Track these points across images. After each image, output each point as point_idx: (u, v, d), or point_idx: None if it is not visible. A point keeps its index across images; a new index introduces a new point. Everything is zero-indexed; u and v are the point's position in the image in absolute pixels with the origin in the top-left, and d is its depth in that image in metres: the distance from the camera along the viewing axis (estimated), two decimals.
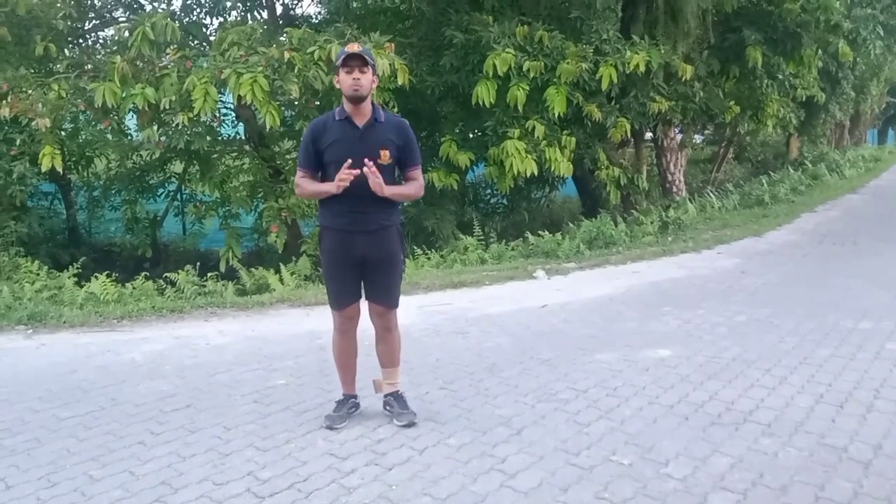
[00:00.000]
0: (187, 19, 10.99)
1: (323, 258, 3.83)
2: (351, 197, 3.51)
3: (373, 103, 3.61)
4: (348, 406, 3.90)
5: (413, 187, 3.73)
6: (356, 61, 3.46)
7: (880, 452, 3.40)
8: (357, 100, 3.52)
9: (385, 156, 3.57)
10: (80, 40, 11.39)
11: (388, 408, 3.90)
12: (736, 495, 3.03)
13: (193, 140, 8.40)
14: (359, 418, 3.90)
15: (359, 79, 3.47)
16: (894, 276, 7.44)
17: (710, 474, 3.21)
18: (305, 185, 3.71)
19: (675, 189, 13.51)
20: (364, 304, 3.82)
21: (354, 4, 11.88)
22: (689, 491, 3.07)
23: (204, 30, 11.21)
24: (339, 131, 3.58)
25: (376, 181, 3.44)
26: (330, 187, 3.50)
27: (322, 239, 3.76)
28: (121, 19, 11.10)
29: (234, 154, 10.33)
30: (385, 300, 3.75)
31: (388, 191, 3.53)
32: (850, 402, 4.03)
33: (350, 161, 3.42)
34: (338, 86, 3.58)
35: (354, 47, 3.56)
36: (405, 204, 7.58)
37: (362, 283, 3.76)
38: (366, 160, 3.44)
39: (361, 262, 3.68)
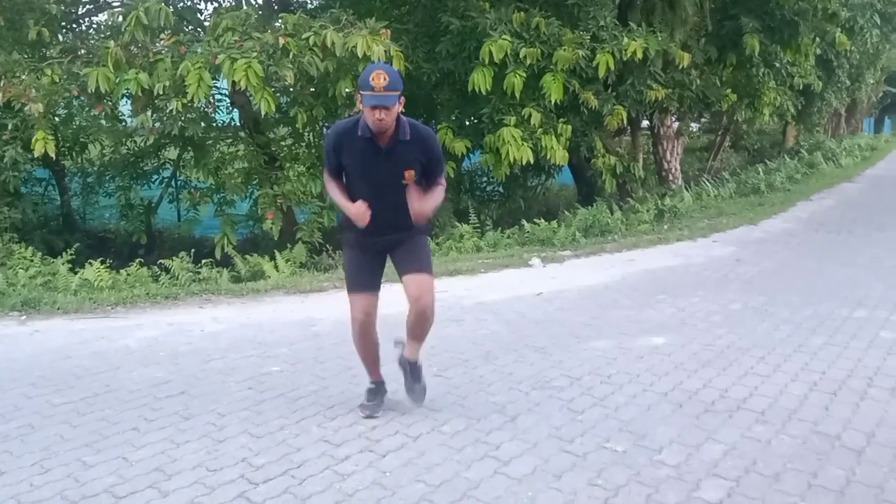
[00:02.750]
0: (181, 4, 10.88)
1: (345, 249, 3.78)
2: (374, 211, 3.42)
3: (398, 117, 3.41)
4: (381, 393, 3.85)
5: (439, 193, 3.63)
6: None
7: (873, 440, 3.41)
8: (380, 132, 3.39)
9: (409, 176, 3.47)
10: (74, 25, 11.27)
11: (401, 368, 3.83)
12: (729, 482, 3.03)
13: (188, 126, 8.35)
14: (354, 406, 3.89)
15: (383, 119, 3.30)
16: (889, 264, 7.46)
17: (704, 461, 3.22)
18: (333, 190, 3.59)
19: (671, 177, 13.49)
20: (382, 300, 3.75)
21: None
22: (682, 478, 3.08)
23: (198, 15, 11.10)
24: (363, 151, 3.44)
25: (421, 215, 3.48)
26: (350, 213, 3.44)
27: (344, 233, 3.69)
28: (114, 4, 10.98)
29: (229, 140, 10.26)
30: (420, 266, 3.57)
31: (430, 210, 3.53)
32: (844, 390, 4.05)
33: (366, 206, 3.38)
34: (360, 107, 3.39)
35: (380, 81, 3.25)
36: None
37: (393, 264, 3.68)
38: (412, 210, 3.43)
39: (386, 252, 3.65)
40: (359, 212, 3.40)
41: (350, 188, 3.57)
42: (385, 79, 3.26)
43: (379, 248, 3.62)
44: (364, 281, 3.63)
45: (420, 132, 3.53)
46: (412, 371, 3.82)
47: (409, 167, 3.46)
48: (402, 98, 3.40)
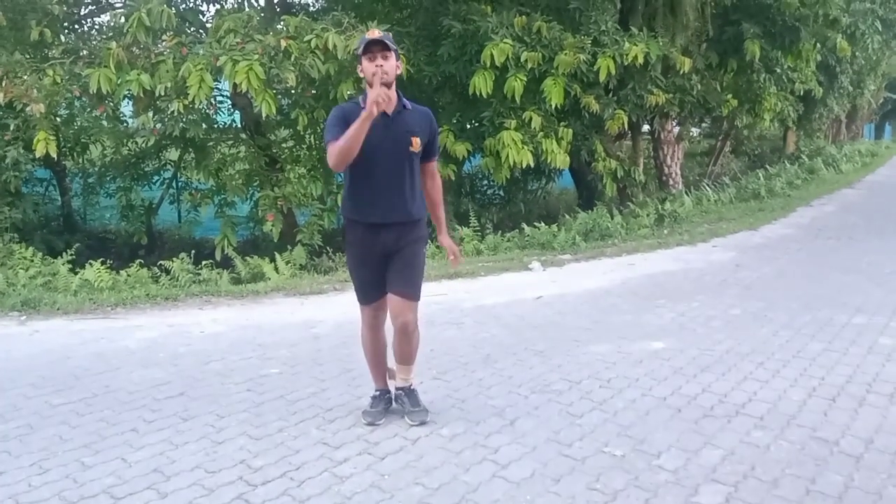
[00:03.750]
0: (183, 5, 10.88)
1: (348, 251, 3.77)
2: (380, 185, 3.45)
3: (397, 90, 3.49)
4: (384, 401, 3.83)
5: (438, 190, 3.81)
6: (378, 47, 3.34)
7: (871, 446, 3.41)
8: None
9: (416, 143, 3.50)
10: (76, 26, 11.29)
11: (398, 402, 3.83)
12: (727, 488, 3.04)
13: (189, 127, 8.36)
14: (353, 408, 3.90)
15: (382, 65, 3.34)
16: (889, 271, 7.46)
17: (702, 466, 3.22)
18: (339, 140, 3.28)
19: (671, 182, 13.51)
20: None
21: None
22: (681, 483, 3.08)
23: (200, 16, 11.10)
24: None
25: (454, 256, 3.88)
26: (363, 115, 3.21)
27: (347, 231, 3.69)
28: (117, 5, 11.00)
29: (230, 142, 10.28)
30: (406, 289, 3.57)
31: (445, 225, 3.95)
32: (843, 396, 4.05)
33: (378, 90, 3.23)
34: (361, 75, 3.44)
35: (375, 33, 3.41)
36: None
37: (386, 272, 3.64)
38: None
39: (387, 256, 3.59)
40: (377, 91, 3.20)
41: (353, 171, 3.48)
42: (380, 33, 3.43)
43: (378, 251, 3.58)
44: (370, 294, 3.67)
45: (419, 106, 3.69)
46: (408, 397, 3.80)
47: (414, 134, 3.51)
48: (400, 64, 3.52)
